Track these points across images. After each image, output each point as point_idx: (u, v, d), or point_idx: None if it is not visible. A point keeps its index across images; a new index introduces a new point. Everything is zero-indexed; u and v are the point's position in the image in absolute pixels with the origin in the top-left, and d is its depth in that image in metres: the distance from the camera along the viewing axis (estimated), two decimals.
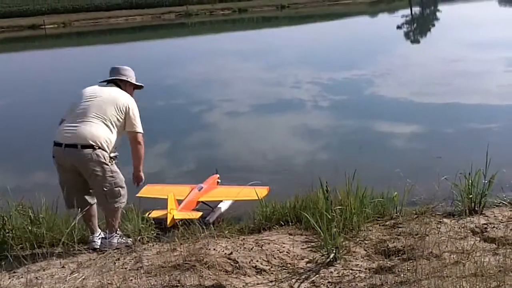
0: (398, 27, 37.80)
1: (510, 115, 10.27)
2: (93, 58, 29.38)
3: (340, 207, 4.40)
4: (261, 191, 5.80)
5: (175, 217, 5.43)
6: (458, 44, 22.46)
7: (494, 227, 4.30)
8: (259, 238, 4.51)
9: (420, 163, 7.40)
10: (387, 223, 4.68)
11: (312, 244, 4.29)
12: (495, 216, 4.61)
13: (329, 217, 3.96)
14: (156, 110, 13.03)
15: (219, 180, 6.69)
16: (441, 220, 4.53)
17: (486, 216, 4.62)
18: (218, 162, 7.62)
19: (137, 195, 5.83)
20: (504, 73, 14.75)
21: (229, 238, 4.50)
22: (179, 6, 69.42)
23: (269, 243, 4.30)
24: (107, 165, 4.41)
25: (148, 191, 6.21)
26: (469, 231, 4.25)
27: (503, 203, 4.92)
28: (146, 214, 5.36)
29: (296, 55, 23.86)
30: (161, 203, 5.81)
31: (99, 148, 4.35)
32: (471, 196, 4.72)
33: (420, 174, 6.30)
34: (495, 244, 3.95)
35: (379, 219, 4.76)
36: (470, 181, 4.75)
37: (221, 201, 6.21)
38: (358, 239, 4.29)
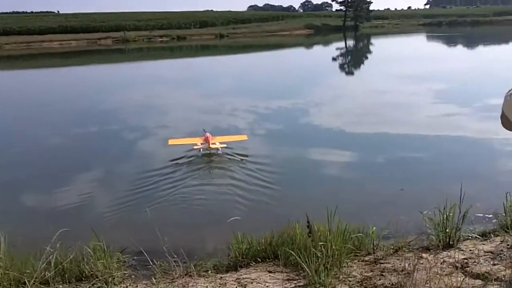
0: (334, 59, 39.11)
1: (450, 143, 10.64)
2: (22, 83, 28.35)
3: (322, 243, 4.30)
4: (242, 137, 10.96)
5: (212, 146, 10.09)
6: (390, 76, 23.50)
7: (474, 262, 4.30)
8: (239, 276, 4.29)
9: (385, 196, 7.40)
10: (366, 258, 4.60)
11: (295, 282, 4.12)
12: (470, 250, 4.63)
13: (318, 255, 3.83)
14: (90, 135, 13.15)
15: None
16: (420, 255, 4.50)
17: (462, 250, 4.63)
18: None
19: (169, 144, 10.32)
20: (431, 105, 15.40)
21: (207, 278, 4.26)
22: (116, 32, 68.35)
23: (251, 283, 4.11)
24: None
25: (176, 141, 10.55)
26: (452, 267, 4.22)
27: (476, 236, 4.97)
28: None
29: (233, 83, 24.02)
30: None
31: None
32: (447, 230, 4.73)
33: (387, 207, 6.35)
34: (481, 280, 3.94)
35: (357, 254, 4.67)
36: (445, 215, 4.77)
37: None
38: (341, 276, 4.18)
